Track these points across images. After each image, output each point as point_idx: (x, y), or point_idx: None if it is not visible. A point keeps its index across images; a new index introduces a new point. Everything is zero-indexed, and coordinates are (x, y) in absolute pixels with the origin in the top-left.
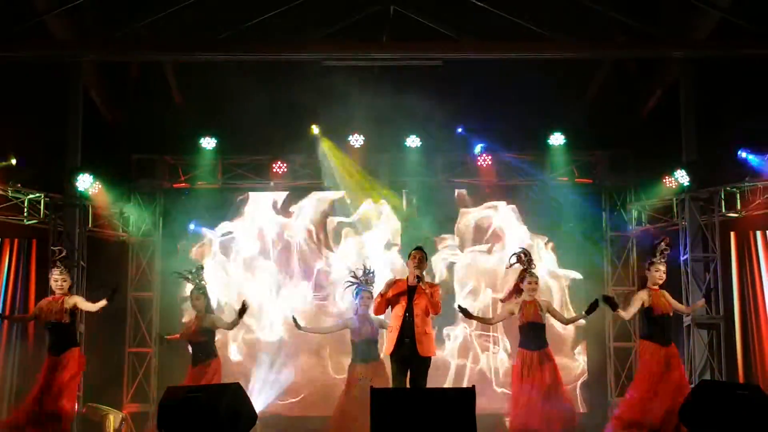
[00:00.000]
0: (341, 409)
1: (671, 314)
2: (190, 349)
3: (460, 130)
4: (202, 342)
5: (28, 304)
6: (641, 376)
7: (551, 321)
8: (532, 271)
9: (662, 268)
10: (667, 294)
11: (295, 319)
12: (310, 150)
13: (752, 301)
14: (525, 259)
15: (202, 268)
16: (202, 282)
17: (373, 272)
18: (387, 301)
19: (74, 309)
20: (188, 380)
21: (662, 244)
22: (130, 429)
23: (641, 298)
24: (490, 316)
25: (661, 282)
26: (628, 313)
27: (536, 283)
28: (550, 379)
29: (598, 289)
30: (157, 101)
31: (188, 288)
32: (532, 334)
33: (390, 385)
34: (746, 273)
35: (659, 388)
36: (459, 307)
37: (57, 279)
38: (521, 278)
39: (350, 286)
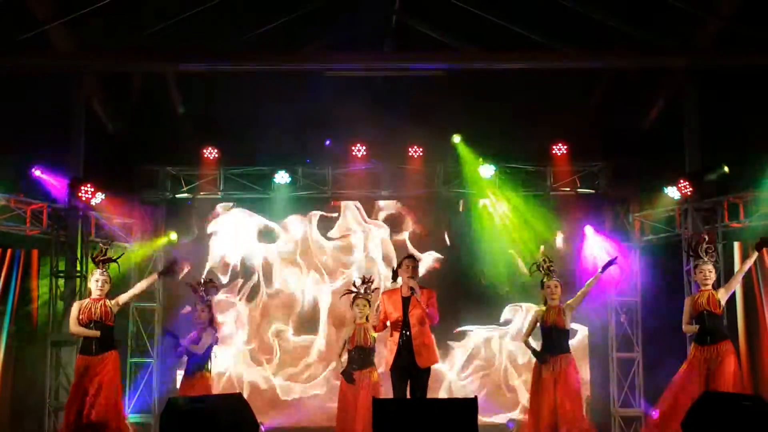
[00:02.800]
0: (343, 416)
1: (718, 311)
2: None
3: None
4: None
5: (30, 315)
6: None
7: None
8: (552, 277)
9: (706, 267)
10: (718, 292)
11: None
12: (313, 160)
13: (757, 312)
14: (545, 266)
15: (211, 280)
16: (209, 295)
17: (372, 281)
18: (384, 319)
19: (118, 311)
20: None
21: (703, 243)
22: None
23: (688, 304)
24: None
25: (708, 282)
26: (687, 327)
27: (555, 287)
28: (566, 384)
29: (601, 300)
30: (159, 112)
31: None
32: (555, 338)
33: (378, 392)
34: (751, 283)
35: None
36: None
37: (98, 279)
38: (541, 285)
39: (349, 294)
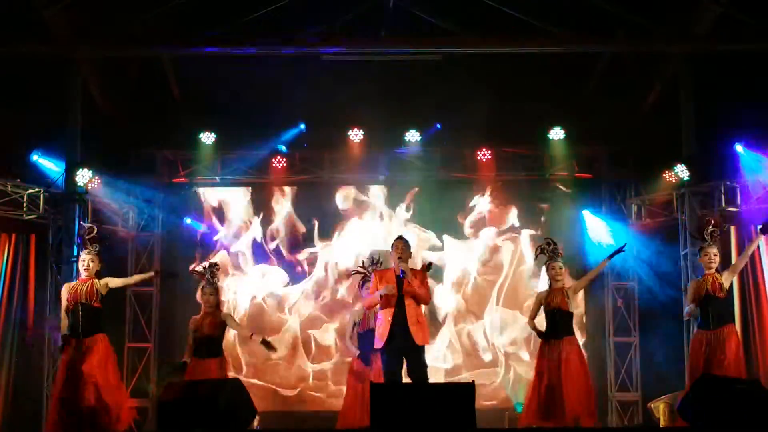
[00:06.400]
0: (350, 402)
1: (721, 295)
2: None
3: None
4: (215, 337)
5: (27, 300)
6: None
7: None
8: (556, 259)
9: (711, 251)
10: (722, 275)
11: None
12: (309, 144)
13: (752, 296)
14: (549, 248)
15: (216, 264)
16: (215, 279)
17: (381, 262)
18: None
19: (106, 292)
20: (191, 375)
21: (708, 226)
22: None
23: (693, 287)
24: None
25: (713, 266)
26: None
27: (560, 269)
28: (574, 365)
29: (598, 283)
30: (155, 96)
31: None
32: (558, 321)
33: None
34: (746, 267)
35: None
36: None
37: (84, 259)
38: (546, 268)
39: (356, 275)
